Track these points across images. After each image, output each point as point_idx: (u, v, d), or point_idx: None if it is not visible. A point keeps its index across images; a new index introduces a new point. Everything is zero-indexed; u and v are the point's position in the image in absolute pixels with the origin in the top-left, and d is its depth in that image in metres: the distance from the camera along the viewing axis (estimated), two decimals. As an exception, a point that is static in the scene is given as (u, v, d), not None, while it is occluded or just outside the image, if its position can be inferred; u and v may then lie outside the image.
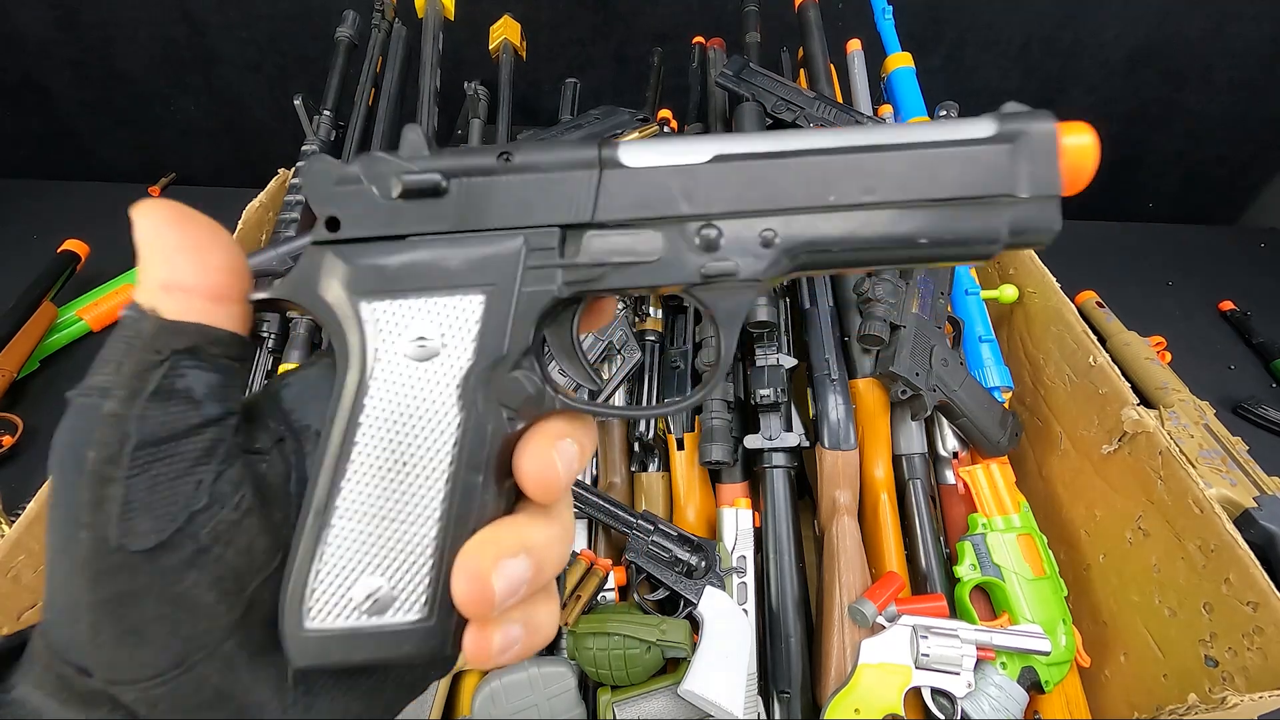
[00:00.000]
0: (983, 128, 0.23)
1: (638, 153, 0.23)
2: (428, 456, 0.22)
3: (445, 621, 0.21)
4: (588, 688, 0.61)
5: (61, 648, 0.18)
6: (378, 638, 0.21)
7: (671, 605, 0.63)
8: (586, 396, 0.25)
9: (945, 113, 0.80)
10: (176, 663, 0.18)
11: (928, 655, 0.57)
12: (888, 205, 0.22)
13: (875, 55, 0.92)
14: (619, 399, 0.75)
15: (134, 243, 0.20)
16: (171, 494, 0.18)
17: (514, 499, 0.23)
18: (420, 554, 0.21)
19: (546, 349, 0.25)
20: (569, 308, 0.24)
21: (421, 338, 0.22)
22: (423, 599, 0.21)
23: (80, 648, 0.18)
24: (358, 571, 0.21)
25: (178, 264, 0.20)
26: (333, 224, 0.22)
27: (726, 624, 0.60)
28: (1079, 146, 0.22)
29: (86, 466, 0.18)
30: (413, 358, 0.22)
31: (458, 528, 0.21)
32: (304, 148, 0.80)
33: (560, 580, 0.60)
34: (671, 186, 0.23)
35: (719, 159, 0.23)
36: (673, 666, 0.61)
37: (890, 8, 0.92)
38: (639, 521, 0.64)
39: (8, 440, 0.81)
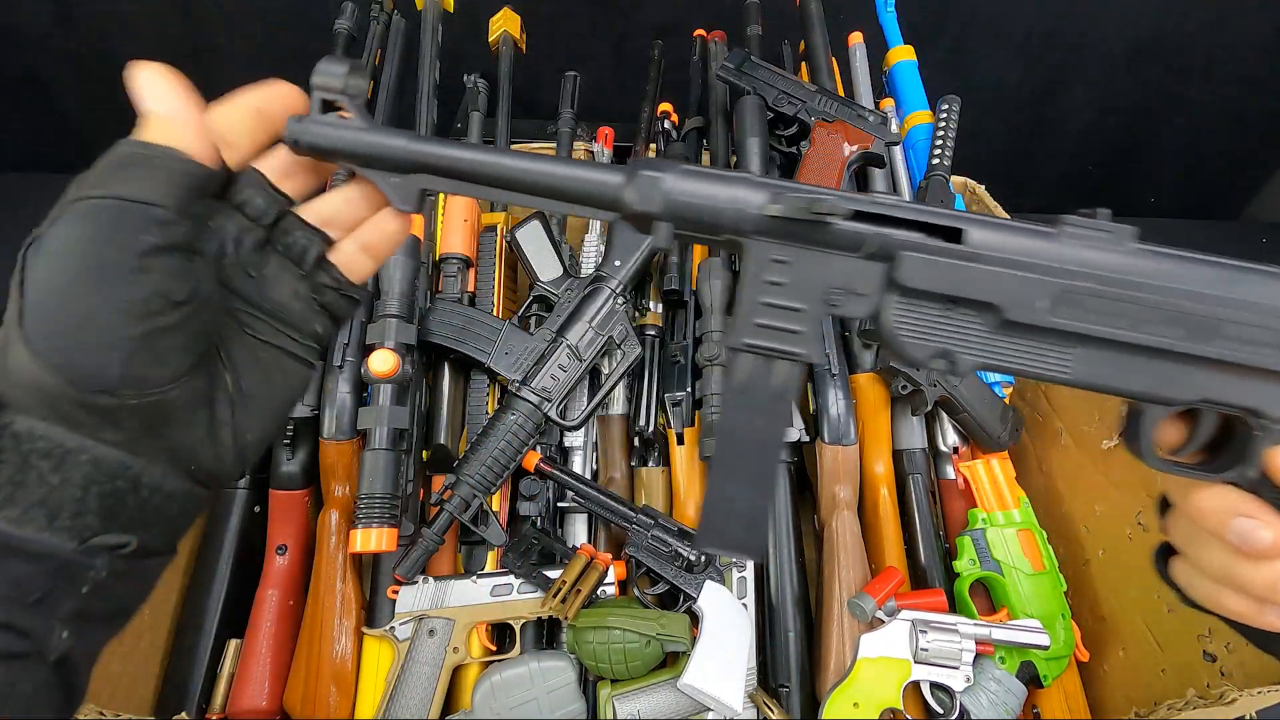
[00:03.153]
0: None
1: None
2: None
3: None
4: (587, 682, 0.61)
5: (89, 378, 0.24)
6: None
7: (671, 600, 0.63)
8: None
9: (947, 107, 0.79)
10: (178, 375, 0.25)
11: (927, 650, 0.58)
12: None
13: (877, 48, 0.92)
14: (619, 394, 0.75)
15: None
16: (187, 270, 0.25)
17: None
18: None
19: None
20: None
21: None
22: None
23: (111, 372, 0.24)
24: None
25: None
26: None
27: (726, 618, 0.60)
28: None
29: (139, 248, 0.24)
30: None
31: None
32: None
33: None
34: None
35: None
36: (672, 660, 0.62)
37: (892, 0, 0.92)
38: (639, 516, 0.64)
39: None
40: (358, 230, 0.32)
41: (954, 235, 0.27)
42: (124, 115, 0.27)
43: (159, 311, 0.24)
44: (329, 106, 0.30)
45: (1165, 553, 0.32)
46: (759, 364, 0.29)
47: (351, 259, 0.32)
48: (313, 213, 0.31)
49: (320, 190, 0.32)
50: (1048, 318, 0.27)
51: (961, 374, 0.28)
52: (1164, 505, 0.32)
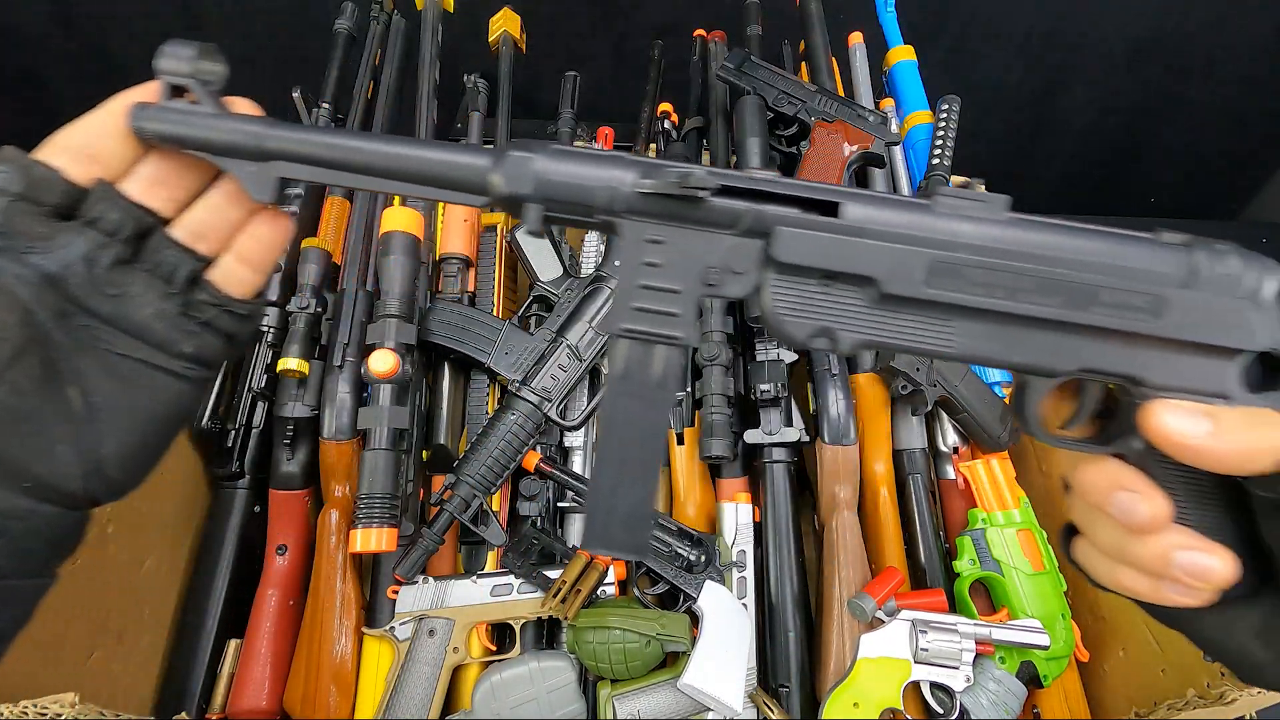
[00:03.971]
0: None
1: None
2: None
3: None
4: (587, 682, 0.61)
5: None
6: None
7: (671, 600, 0.63)
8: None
9: (947, 107, 0.79)
10: None
11: (927, 650, 0.58)
12: None
13: (877, 48, 0.92)
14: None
15: None
16: None
17: None
18: None
19: None
20: None
21: None
22: None
23: None
24: None
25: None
26: None
27: (726, 618, 0.60)
28: None
29: None
30: None
31: None
32: (303, 141, 0.80)
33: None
34: None
35: None
36: (672, 660, 0.62)
37: (892, 0, 0.92)
38: (639, 516, 0.64)
39: None
40: (233, 241, 0.30)
41: (830, 210, 0.27)
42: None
43: None
44: (179, 93, 0.29)
45: (1069, 534, 0.31)
46: (638, 350, 0.28)
47: (231, 273, 0.30)
48: (183, 227, 0.29)
49: None
50: (924, 289, 0.26)
51: (844, 352, 0.28)
52: (1067, 485, 0.31)
